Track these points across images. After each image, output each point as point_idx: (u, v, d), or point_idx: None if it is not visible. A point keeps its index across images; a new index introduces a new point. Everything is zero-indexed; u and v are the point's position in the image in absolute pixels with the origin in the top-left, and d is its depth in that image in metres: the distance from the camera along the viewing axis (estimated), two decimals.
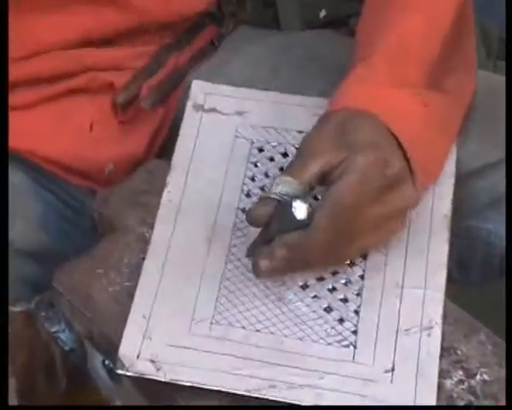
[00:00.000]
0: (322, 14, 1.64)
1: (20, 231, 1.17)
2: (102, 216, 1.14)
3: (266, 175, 1.15)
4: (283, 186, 1.02)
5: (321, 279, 1.07)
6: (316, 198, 1.06)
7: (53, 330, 1.07)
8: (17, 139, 1.21)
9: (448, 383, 1.00)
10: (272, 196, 1.02)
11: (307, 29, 1.43)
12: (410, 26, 1.14)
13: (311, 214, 1.00)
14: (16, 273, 1.13)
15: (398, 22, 1.14)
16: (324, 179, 1.03)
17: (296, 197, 1.01)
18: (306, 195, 1.03)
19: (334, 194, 1.01)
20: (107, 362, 1.04)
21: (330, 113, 1.07)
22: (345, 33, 1.40)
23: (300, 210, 1.01)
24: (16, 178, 1.21)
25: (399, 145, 1.04)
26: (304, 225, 1.01)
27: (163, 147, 1.29)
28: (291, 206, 1.01)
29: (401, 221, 1.08)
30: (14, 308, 1.07)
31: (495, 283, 1.24)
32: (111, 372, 1.05)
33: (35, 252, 1.17)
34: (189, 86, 1.24)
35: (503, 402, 1.00)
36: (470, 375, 1.01)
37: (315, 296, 1.06)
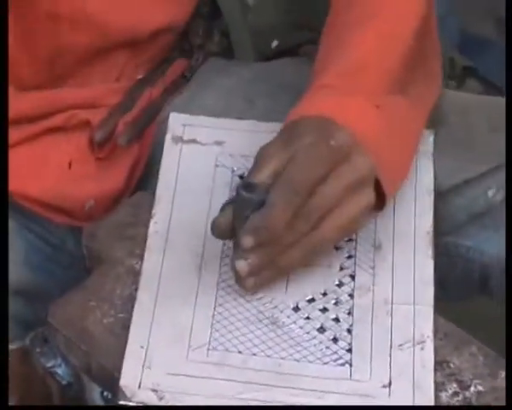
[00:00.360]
0: (274, 44, 1.65)
1: (13, 267, 1.15)
2: (90, 250, 1.14)
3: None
4: (242, 189, 1.03)
5: (312, 300, 1.08)
6: None
7: (49, 365, 1.07)
8: None
9: (443, 395, 1.01)
10: (227, 200, 1.05)
11: (260, 59, 1.45)
12: (364, 41, 1.16)
13: (265, 193, 1.02)
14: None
15: (355, 35, 1.16)
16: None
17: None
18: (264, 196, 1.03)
19: (285, 173, 1.03)
20: (105, 393, 1.04)
21: (285, 123, 1.10)
22: (308, 61, 1.42)
23: (252, 185, 1.03)
24: None
25: (342, 127, 1.06)
26: (260, 204, 1.02)
27: (141, 181, 1.30)
28: (238, 192, 1.03)
29: (363, 194, 1.07)
30: (10, 346, 1.07)
31: (474, 298, 1.26)
32: (109, 402, 1.05)
33: (21, 289, 1.17)
34: (165, 120, 1.25)
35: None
36: (464, 387, 1.02)
37: (307, 318, 1.06)
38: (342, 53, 1.15)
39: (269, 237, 1.03)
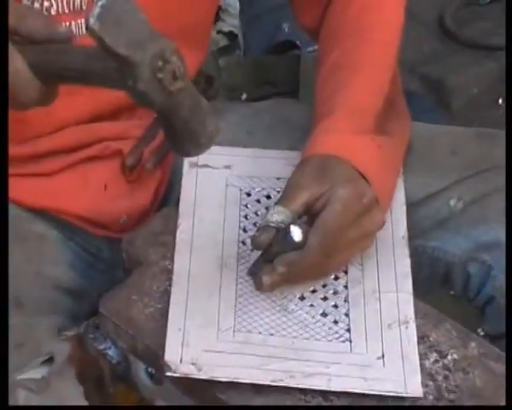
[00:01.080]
0: (244, 96, 1.70)
1: (63, 268, 1.18)
2: (129, 254, 1.15)
3: (256, 214, 1.18)
4: (278, 215, 1.05)
5: (314, 291, 1.10)
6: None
7: (101, 347, 1.07)
8: (46, 199, 1.22)
9: (427, 363, 1.04)
10: (271, 224, 1.05)
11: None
12: (361, 86, 1.17)
13: (304, 237, 1.03)
14: (60, 307, 1.14)
15: (351, 84, 1.17)
16: (309, 209, 1.06)
17: (291, 223, 1.04)
18: (296, 221, 1.05)
19: (323, 221, 1.04)
20: (149, 369, 1.05)
21: (307, 158, 1.11)
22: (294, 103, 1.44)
23: (297, 234, 1.03)
24: (47, 230, 1.21)
25: (367, 182, 1.08)
26: (299, 246, 1.03)
27: (165, 197, 1.29)
28: (289, 231, 1.03)
29: (371, 239, 1.11)
30: (68, 333, 1.08)
31: (438, 292, 1.26)
32: (152, 377, 1.06)
33: (70, 289, 1.17)
34: None
35: (472, 374, 1.03)
36: (443, 356, 1.05)
37: (311, 305, 1.08)
38: (345, 100, 1.16)
39: (298, 271, 1.06)
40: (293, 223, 1.05)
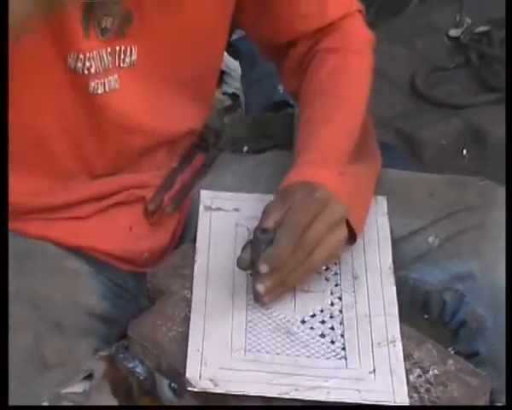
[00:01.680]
0: (245, 149, 1.70)
1: (96, 298, 1.18)
2: (153, 285, 1.15)
3: None
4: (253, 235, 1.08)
5: (313, 316, 1.10)
6: None
7: (130, 366, 1.07)
8: (81, 239, 1.23)
9: (411, 377, 1.04)
10: (246, 242, 1.08)
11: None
12: (330, 132, 1.19)
13: (273, 232, 1.06)
14: (94, 332, 1.14)
15: (320, 131, 1.19)
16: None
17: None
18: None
19: (286, 219, 1.06)
20: (172, 385, 1.05)
21: (279, 190, 1.13)
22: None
23: (264, 230, 1.07)
24: (81, 266, 1.21)
25: (321, 186, 1.09)
26: (270, 242, 1.05)
27: (182, 236, 1.29)
28: (258, 232, 1.07)
29: (340, 230, 1.10)
30: (102, 353, 1.08)
31: (418, 316, 1.25)
32: (175, 391, 1.05)
33: (102, 316, 1.17)
34: (195, 195, 1.27)
35: (450, 387, 1.03)
36: (425, 371, 1.05)
37: (311, 328, 1.09)
38: (317, 140, 1.18)
39: (277, 263, 1.05)
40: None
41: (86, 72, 1.14)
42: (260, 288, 1.07)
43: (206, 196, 1.25)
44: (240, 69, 2.12)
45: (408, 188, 1.27)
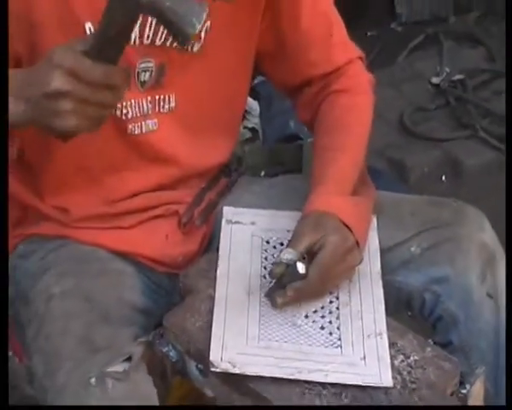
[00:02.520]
0: (262, 173, 1.70)
1: (137, 294, 1.17)
2: (185, 284, 1.15)
3: (273, 256, 1.17)
4: (288, 254, 1.06)
5: (315, 311, 1.09)
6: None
7: (164, 350, 1.07)
8: (125, 246, 1.22)
9: (396, 362, 1.04)
10: (283, 260, 1.06)
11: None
12: (344, 163, 1.18)
13: (306, 271, 1.05)
14: (135, 321, 1.13)
15: (337, 162, 1.18)
16: (309, 250, 1.07)
17: (297, 260, 1.06)
18: (300, 259, 1.07)
19: (320, 258, 1.06)
20: (199, 366, 1.05)
21: (307, 214, 1.12)
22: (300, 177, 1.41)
23: (301, 268, 1.05)
24: (125, 267, 1.20)
25: (349, 230, 1.09)
26: (303, 277, 1.06)
27: (209, 244, 1.29)
28: (295, 266, 1.05)
29: (354, 271, 1.12)
30: (141, 340, 1.07)
31: (402, 313, 1.24)
32: (201, 372, 1.05)
33: (142, 310, 1.16)
34: (220, 211, 1.26)
35: (427, 370, 1.02)
36: (407, 357, 1.05)
37: (313, 321, 1.08)
38: (333, 170, 1.17)
39: (302, 295, 1.07)
40: (299, 260, 1.06)
41: (124, 117, 1.14)
42: (279, 301, 1.07)
43: (227, 211, 1.25)
44: (258, 108, 2.14)
45: (395, 207, 1.25)
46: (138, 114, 1.15)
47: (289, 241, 1.10)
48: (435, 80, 2.61)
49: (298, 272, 1.06)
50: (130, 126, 1.16)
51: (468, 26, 2.83)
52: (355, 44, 1.31)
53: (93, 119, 0.91)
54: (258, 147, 1.98)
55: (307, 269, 1.06)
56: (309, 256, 1.08)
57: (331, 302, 1.12)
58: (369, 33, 2.78)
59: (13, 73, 0.93)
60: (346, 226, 1.10)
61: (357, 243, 1.10)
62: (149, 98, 1.15)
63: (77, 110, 0.88)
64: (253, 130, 2.11)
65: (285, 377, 1.00)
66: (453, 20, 2.87)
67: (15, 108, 0.91)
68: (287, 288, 1.06)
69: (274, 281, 1.09)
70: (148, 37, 1.10)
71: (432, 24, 2.83)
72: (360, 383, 1.00)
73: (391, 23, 2.87)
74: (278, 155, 1.83)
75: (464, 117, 2.45)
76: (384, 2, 2.88)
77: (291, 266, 1.06)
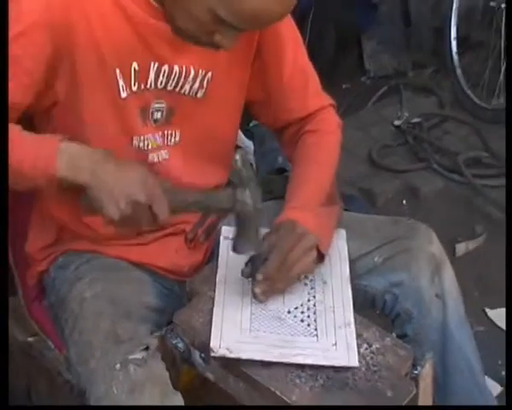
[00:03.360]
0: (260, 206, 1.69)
1: (152, 297, 1.17)
2: (191, 289, 1.16)
3: None
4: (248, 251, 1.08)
5: (296, 308, 1.11)
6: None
7: (174, 342, 1.08)
8: (144, 258, 1.21)
9: (361, 350, 1.06)
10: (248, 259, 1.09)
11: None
12: (309, 188, 1.18)
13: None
14: (151, 319, 1.13)
15: (303, 187, 1.18)
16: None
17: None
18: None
19: (273, 241, 1.08)
20: (202, 355, 1.05)
21: (273, 225, 1.13)
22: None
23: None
24: (143, 276, 1.20)
25: (300, 223, 1.10)
26: (264, 260, 1.06)
27: (210, 256, 1.27)
28: (256, 257, 1.07)
29: (312, 253, 1.10)
30: (156, 334, 1.08)
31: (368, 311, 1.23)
32: (204, 359, 1.05)
33: (156, 309, 1.16)
34: (219, 230, 1.25)
35: (386, 356, 1.03)
36: (370, 345, 1.07)
37: (295, 316, 1.10)
38: (300, 193, 1.17)
39: (268, 275, 1.07)
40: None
41: (145, 148, 1.16)
42: (257, 290, 1.08)
43: (225, 230, 1.24)
44: (253, 146, 2.15)
45: (362, 224, 1.26)
46: (154, 146, 1.16)
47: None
48: (397, 123, 2.64)
49: (260, 260, 1.05)
50: (149, 156, 1.15)
51: (423, 79, 2.87)
52: (333, 95, 1.32)
53: (138, 225, 1.04)
54: None
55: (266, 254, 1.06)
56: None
57: (309, 300, 1.13)
58: (343, 86, 2.82)
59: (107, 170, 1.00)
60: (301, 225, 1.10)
61: (309, 232, 1.09)
62: (160, 133, 1.16)
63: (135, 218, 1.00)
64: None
65: (272, 360, 1.01)
66: (411, 75, 2.91)
67: (111, 205, 1.00)
68: (255, 275, 1.06)
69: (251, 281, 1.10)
70: (162, 82, 1.11)
71: (394, 77, 2.87)
72: (332, 364, 1.01)
73: (361, 77, 2.91)
74: (269, 184, 1.82)
75: (420, 152, 2.48)
76: (355, 61, 2.92)
77: (252, 258, 1.07)
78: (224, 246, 1.20)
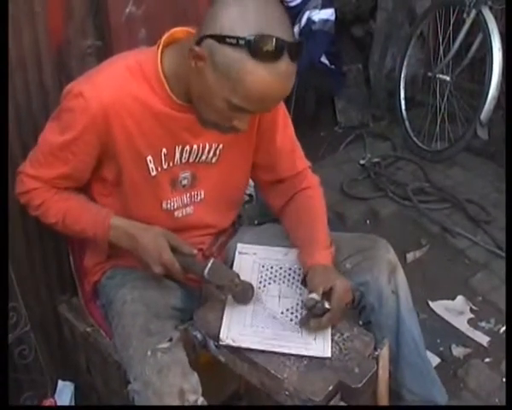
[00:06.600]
0: (256, 222, 1.66)
1: (177, 300, 1.13)
2: (207, 293, 1.13)
3: (266, 275, 1.14)
4: (314, 296, 1.02)
5: (287, 309, 1.07)
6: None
7: (194, 334, 1.06)
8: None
9: (335, 337, 1.03)
10: (311, 302, 1.01)
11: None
12: (320, 229, 1.13)
13: (329, 305, 1.01)
14: (176, 317, 1.10)
15: (317, 230, 1.12)
16: (324, 291, 1.03)
17: (322, 300, 1.01)
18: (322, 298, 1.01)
19: (333, 298, 1.02)
20: (215, 343, 1.03)
21: (311, 266, 1.06)
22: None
23: (328, 304, 1.01)
24: (170, 283, 1.14)
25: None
26: (327, 310, 1.00)
27: None
28: (324, 304, 1.00)
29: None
30: (179, 328, 1.05)
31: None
32: (216, 346, 1.03)
33: (180, 309, 1.13)
34: (230, 246, 1.20)
35: (354, 342, 1.00)
36: (342, 334, 1.04)
37: (286, 316, 1.07)
38: (318, 234, 1.12)
39: (331, 323, 1.03)
40: (322, 299, 1.01)
41: (172, 208, 1.13)
42: (313, 325, 1.02)
43: (240, 246, 1.20)
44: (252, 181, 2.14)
45: (336, 240, 1.20)
46: (181, 205, 1.13)
47: (309, 287, 1.04)
48: (362, 162, 2.63)
49: (325, 307, 0.99)
50: (176, 213, 1.13)
51: (381, 129, 2.88)
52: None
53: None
54: (253, 206, 1.97)
55: (330, 304, 1.01)
56: (324, 295, 1.02)
57: (297, 304, 1.09)
58: (322, 134, 2.82)
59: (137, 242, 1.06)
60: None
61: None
62: (188, 194, 1.13)
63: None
64: (250, 196, 2.10)
65: (266, 349, 1.00)
66: (372, 125, 2.92)
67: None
68: (321, 320, 1.01)
69: (305, 312, 1.04)
70: (185, 158, 1.09)
71: (359, 128, 2.88)
72: (311, 355, 0.99)
73: (334, 127, 2.93)
74: (266, 210, 1.81)
75: (380, 184, 2.46)
76: (330, 115, 2.95)
77: (319, 303, 1.00)
78: (238, 259, 1.17)
